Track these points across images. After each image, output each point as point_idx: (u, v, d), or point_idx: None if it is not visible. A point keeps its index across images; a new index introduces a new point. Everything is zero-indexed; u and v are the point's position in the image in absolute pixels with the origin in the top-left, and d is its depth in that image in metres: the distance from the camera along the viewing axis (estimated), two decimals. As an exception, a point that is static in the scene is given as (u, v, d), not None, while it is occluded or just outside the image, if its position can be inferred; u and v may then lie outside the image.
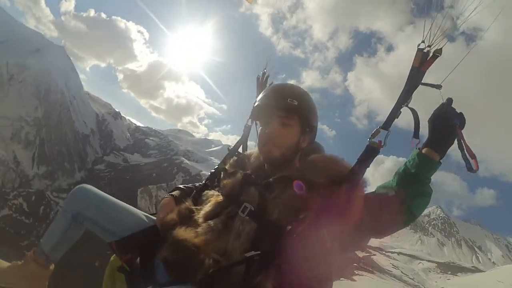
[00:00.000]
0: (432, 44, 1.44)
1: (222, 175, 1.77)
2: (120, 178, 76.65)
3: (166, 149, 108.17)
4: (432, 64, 1.45)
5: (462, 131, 1.37)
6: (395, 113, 1.46)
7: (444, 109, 1.40)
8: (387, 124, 1.45)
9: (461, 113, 1.39)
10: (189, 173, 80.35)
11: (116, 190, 66.97)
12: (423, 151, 1.41)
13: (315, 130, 1.73)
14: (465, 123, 1.37)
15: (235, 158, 1.89)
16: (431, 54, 1.44)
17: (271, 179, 1.56)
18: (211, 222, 1.51)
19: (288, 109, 1.59)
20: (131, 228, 1.74)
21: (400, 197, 1.41)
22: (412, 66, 1.46)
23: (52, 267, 1.89)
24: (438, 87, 1.42)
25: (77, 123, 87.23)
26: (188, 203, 1.71)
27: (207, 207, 1.61)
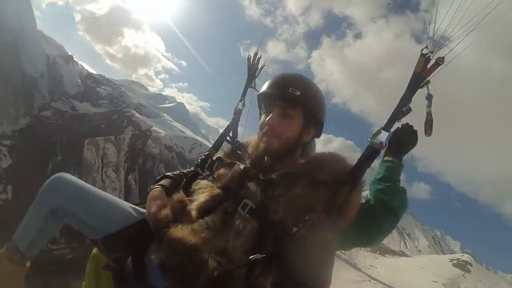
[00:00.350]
0: (434, 51, 1.46)
1: (216, 164, 1.71)
2: (67, 127, 74.49)
3: (117, 100, 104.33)
4: (435, 71, 1.47)
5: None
6: (396, 115, 1.49)
7: (405, 129, 1.57)
8: (389, 125, 1.48)
9: (415, 132, 1.57)
10: (139, 128, 78.73)
11: (62, 139, 66.05)
12: (385, 158, 1.57)
13: (321, 125, 1.67)
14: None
15: (229, 146, 1.84)
16: (433, 61, 1.46)
17: (274, 175, 1.51)
18: (208, 219, 1.43)
19: (290, 99, 1.54)
20: (119, 223, 1.59)
21: (380, 201, 1.49)
22: (414, 70, 1.48)
23: (28, 264, 1.74)
24: (429, 97, 1.50)
25: (26, 65, 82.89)
26: (181, 195, 1.62)
27: (201, 199, 1.53)
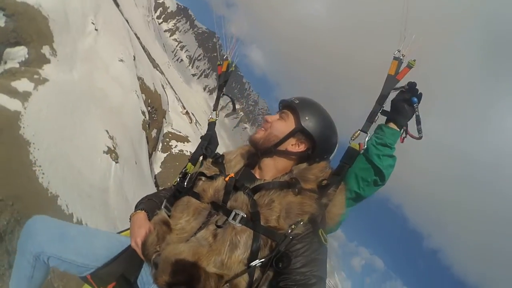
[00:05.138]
0: (405, 54, 1.47)
1: (197, 178, 1.62)
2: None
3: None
4: (407, 74, 1.47)
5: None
6: (373, 116, 1.48)
7: (405, 93, 1.52)
8: (366, 127, 1.47)
9: (419, 93, 1.51)
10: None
11: None
12: (390, 126, 1.57)
13: (313, 141, 1.55)
14: (421, 98, 1.51)
15: (210, 159, 1.72)
16: (405, 64, 1.48)
17: (261, 183, 1.47)
18: (199, 235, 1.39)
19: (287, 104, 1.59)
20: (104, 255, 1.57)
21: (376, 165, 1.55)
22: (388, 74, 1.48)
23: None
24: (405, 88, 1.52)
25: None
26: (162, 215, 1.54)
27: (188, 217, 1.49)
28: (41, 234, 1.56)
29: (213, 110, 1.91)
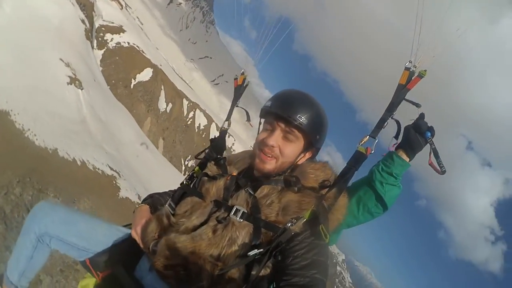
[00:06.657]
0: (417, 65, 1.48)
1: (202, 180, 1.65)
2: None
3: None
4: (417, 83, 1.47)
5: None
6: (382, 123, 1.48)
7: (418, 123, 1.55)
8: (375, 133, 1.47)
9: (431, 127, 1.54)
10: None
11: None
12: (399, 153, 1.61)
13: (319, 150, 1.64)
14: (434, 133, 1.54)
15: (213, 162, 1.75)
16: (416, 74, 1.47)
17: (261, 180, 1.50)
18: (199, 230, 1.42)
19: (295, 125, 1.48)
20: (105, 243, 1.63)
21: (377, 191, 1.63)
22: (399, 83, 1.49)
23: None
24: (418, 105, 1.51)
25: None
26: (166, 210, 1.58)
27: (190, 214, 1.52)
28: (46, 216, 1.63)
29: (226, 120, 1.92)
